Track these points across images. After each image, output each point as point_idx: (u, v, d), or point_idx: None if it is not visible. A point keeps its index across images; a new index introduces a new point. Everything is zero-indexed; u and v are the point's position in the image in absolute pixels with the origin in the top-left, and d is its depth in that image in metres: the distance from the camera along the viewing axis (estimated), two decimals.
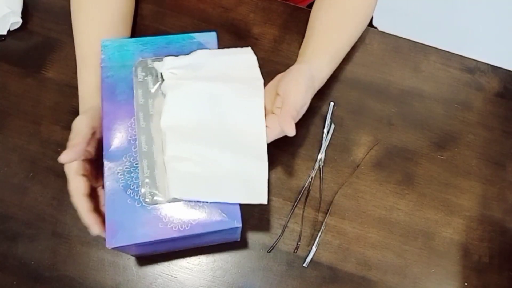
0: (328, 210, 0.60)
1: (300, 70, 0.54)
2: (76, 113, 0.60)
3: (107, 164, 0.47)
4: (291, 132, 0.48)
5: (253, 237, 0.58)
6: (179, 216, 0.46)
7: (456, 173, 0.63)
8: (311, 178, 0.61)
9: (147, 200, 0.46)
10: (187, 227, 0.45)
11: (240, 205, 0.47)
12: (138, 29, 0.67)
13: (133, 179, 0.47)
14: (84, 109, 0.54)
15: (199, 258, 0.57)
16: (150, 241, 0.45)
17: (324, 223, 0.59)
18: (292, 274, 0.57)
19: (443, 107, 0.67)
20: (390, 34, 0.71)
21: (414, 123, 0.66)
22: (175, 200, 0.46)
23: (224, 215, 0.46)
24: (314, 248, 0.57)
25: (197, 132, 0.48)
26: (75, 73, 0.58)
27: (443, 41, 0.76)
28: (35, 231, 0.56)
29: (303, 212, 0.59)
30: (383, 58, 0.69)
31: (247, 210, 0.50)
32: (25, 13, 0.66)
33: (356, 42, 0.68)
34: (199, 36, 0.54)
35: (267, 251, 0.57)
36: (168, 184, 0.46)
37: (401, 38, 0.71)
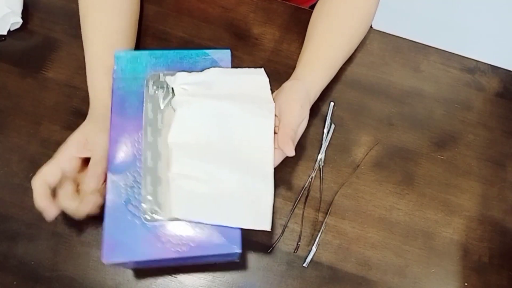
0: (328, 210, 0.60)
1: (293, 87, 0.54)
2: (76, 113, 0.60)
3: (110, 177, 0.47)
4: (290, 153, 0.48)
5: (253, 237, 0.58)
6: (178, 236, 0.45)
7: (456, 173, 0.63)
8: (311, 178, 0.61)
9: (147, 217, 0.45)
10: (185, 248, 0.45)
11: (242, 229, 0.46)
12: (138, 29, 0.67)
13: (135, 194, 0.46)
14: (96, 114, 0.54)
15: None
16: (147, 260, 0.45)
17: (324, 223, 0.59)
18: (292, 274, 0.57)
19: (443, 107, 0.67)
20: (390, 34, 0.71)
21: (414, 123, 0.66)
22: (176, 219, 0.45)
23: (224, 239, 0.45)
24: (314, 248, 0.57)
25: (204, 151, 0.48)
26: (75, 73, 0.58)
27: (443, 41, 0.76)
28: (35, 231, 0.56)
29: (303, 212, 0.59)
30: (383, 58, 0.69)
31: None
32: (25, 13, 0.66)
33: None
34: (214, 53, 0.53)
35: (267, 251, 0.57)
36: (171, 203, 0.46)
37: (401, 38, 0.71)
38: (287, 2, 0.71)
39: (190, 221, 0.45)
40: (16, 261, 0.55)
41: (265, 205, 0.47)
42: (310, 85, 0.56)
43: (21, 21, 0.64)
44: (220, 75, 0.52)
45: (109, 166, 0.47)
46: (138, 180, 0.47)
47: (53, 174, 0.48)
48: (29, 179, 0.58)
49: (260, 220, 0.47)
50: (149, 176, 0.47)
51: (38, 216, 0.56)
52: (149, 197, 0.46)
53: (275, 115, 0.51)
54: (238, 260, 0.54)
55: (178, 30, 0.67)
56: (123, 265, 0.51)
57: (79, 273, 0.55)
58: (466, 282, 0.58)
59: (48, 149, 0.59)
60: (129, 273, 0.55)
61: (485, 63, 0.70)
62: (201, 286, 0.55)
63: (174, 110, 0.49)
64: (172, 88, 0.50)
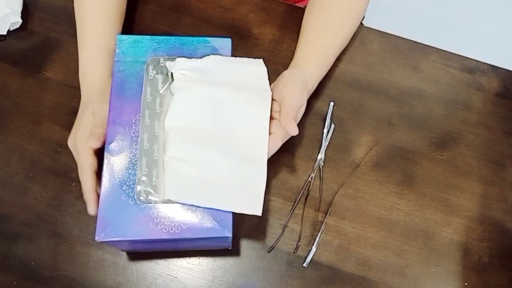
0: (328, 210, 0.60)
1: (292, 74, 0.55)
2: (76, 113, 0.60)
3: (107, 157, 0.48)
4: (294, 131, 0.49)
5: (253, 237, 0.58)
6: (170, 218, 0.46)
7: (456, 173, 0.63)
8: (311, 178, 0.61)
9: (141, 198, 0.46)
10: (177, 230, 0.45)
11: (233, 214, 0.47)
12: (138, 29, 0.67)
13: (131, 175, 0.47)
14: (93, 92, 0.55)
15: (199, 258, 0.57)
16: (138, 240, 0.46)
17: (324, 223, 0.59)
18: (292, 274, 0.57)
19: (443, 107, 0.67)
20: (390, 34, 0.71)
21: (414, 123, 0.66)
22: (169, 201, 0.46)
23: (216, 223, 0.46)
24: (314, 248, 0.57)
25: (200, 136, 0.49)
26: (75, 73, 0.58)
27: (443, 41, 0.76)
28: (35, 231, 0.56)
29: (303, 212, 0.59)
30: (383, 58, 0.69)
31: None
32: (25, 13, 0.66)
33: (356, 42, 0.68)
34: (214, 41, 0.54)
35: (267, 251, 0.57)
36: (165, 185, 0.46)
37: (401, 38, 0.71)
38: (287, 2, 0.71)
39: (183, 204, 0.46)
40: (16, 261, 0.55)
41: (258, 191, 0.48)
42: (308, 74, 0.57)
43: (21, 21, 0.64)
44: (220, 63, 0.52)
45: (106, 146, 0.48)
46: (133, 162, 0.48)
47: (95, 161, 0.50)
48: (29, 179, 0.58)
49: (251, 205, 0.47)
50: (145, 158, 0.48)
51: (38, 216, 0.57)
52: (144, 179, 0.47)
53: (275, 100, 0.51)
54: (230, 247, 0.54)
55: (178, 30, 0.67)
56: (117, 245, 0.52)
57: (79, 273, 0.55)
58: (466, 282, 0.58)
59: (48, 149, 0.59)
60: (129, 273, 0.55)
61: (485, 63, 0.70)
62: (201, 286, 0.55)
63: (173, 95, 0.50)
64: (172, 73, 0.51)
